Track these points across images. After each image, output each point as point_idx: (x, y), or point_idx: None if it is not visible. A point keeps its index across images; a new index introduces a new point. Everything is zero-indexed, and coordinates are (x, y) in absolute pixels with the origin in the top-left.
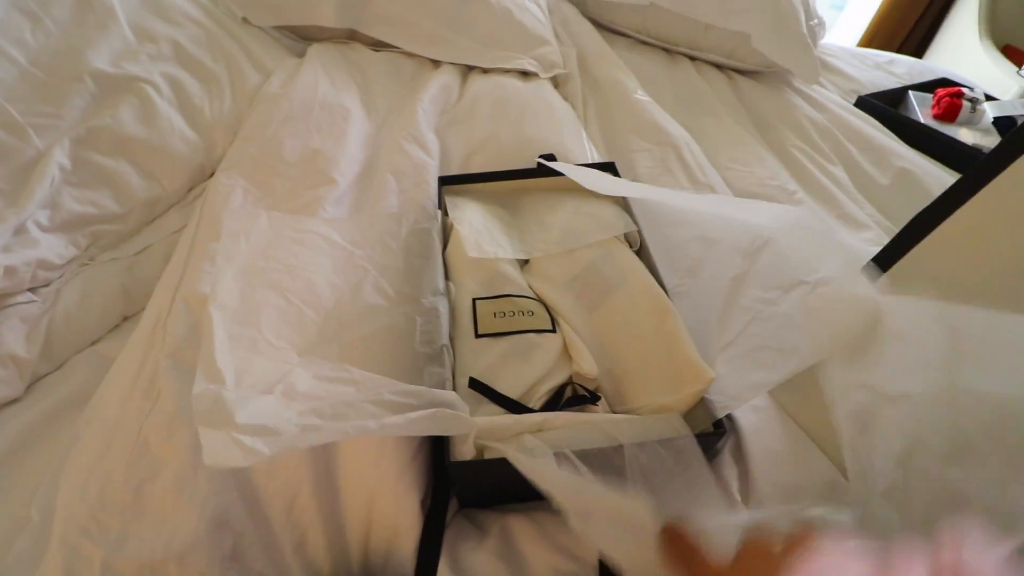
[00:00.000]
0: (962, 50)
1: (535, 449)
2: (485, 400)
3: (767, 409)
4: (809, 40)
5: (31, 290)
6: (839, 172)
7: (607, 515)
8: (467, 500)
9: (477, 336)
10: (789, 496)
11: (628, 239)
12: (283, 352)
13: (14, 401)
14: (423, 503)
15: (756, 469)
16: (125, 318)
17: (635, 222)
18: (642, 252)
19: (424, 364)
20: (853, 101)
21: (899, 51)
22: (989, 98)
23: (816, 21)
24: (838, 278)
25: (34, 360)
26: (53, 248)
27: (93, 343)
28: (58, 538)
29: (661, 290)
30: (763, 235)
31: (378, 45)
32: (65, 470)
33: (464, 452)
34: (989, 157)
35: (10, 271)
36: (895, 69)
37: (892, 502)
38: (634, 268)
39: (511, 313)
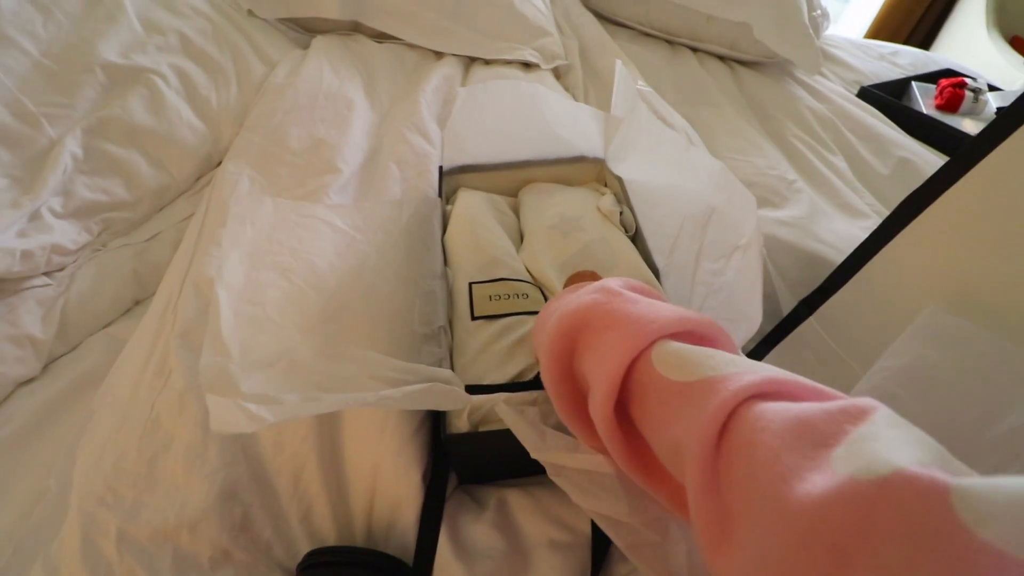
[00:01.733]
0: (970, 42)
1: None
2: None
3: None
4: (811, 31)
5: (46, 274)
6: (839, 162)
7: (575, 471)
8: (465, 475)
9: (473, 318)
10: None
11: (624, 224)
12: (286, 330)
13: (31, 380)
14: (424, 477)
15: None
16: (137, 302)
17: (631, 208)
18: (637, 237)
19: (422, 344)
20: (856, 92)
21: (906, 43)
22: (993, 89)
23: (819, 12)
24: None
25: (50, 341)
26: (67, 234)
27: (106, 325)
28: (76, 507)
29: (650, 272)
30: (711, 204)
31: (381, 37)
32: (81, 444)
33: (459, 426)
34: (973, 143)
35: (26, 255)
36: (899, 60)
37: None
38: (625, 251)
39: (506, 296)
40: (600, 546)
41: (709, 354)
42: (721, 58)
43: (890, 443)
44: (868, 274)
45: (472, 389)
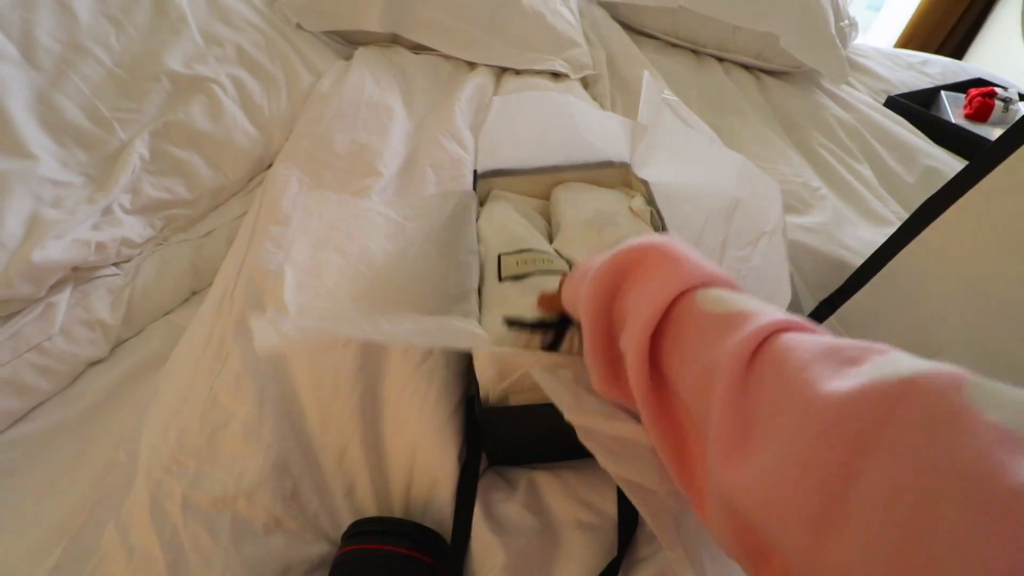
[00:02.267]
0: (1004, 52)
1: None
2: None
3: None
4: (837, 41)
5: (115, 265)
6: (865, 170)
7: (607, 436)
8: (496, 455)
9: (500, 280)
10: None
11: (653, 224)
12: (339, 296)
13: (100, 360)
14: (459, 456)
15: None
16: (194, 292)
17: (657, 210)
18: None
19: (453, 304)
20: (883, 101)
21: (938, 53)
22: None
23: (847, 22)
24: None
25: (118, 326)
26: (134, 228)
27: (167, 313)
28: (144, 474)
29: None
30: (735, 196)
31: (419, 48)
32: (147, 419)
33: (493, 388)
34: (993, 147)
35: (100, 246)
36: (928, 70)
37: None
38: None
39: (531, 261)
40: (626, 529)
41: (750, 299)
42: (747, 68)
43: (913, 360)
44: (889, 274)
45: (510, 323)
